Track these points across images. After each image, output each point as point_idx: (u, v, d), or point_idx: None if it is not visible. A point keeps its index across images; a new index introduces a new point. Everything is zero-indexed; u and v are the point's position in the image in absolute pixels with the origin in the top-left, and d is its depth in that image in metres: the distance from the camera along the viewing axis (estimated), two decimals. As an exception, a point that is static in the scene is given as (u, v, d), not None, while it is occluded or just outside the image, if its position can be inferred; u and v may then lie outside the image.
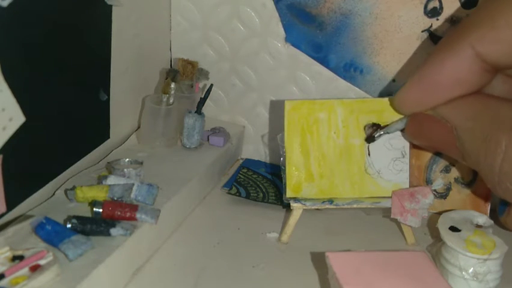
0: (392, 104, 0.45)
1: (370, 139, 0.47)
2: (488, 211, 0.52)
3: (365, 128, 0.48)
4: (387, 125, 0.46)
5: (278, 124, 0.57)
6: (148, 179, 0.48)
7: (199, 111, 0.56)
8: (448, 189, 0.54)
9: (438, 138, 0.41)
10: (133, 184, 0.46)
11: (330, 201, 0.48)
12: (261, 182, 0.58)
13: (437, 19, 0.52)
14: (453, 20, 0.51)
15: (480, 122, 0.37)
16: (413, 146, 0.48)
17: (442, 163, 0.54)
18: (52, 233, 0.40)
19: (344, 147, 0.48)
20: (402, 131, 0.46)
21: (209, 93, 0.56)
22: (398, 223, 0.50)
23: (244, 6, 0.57)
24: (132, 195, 0.45)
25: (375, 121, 0.48)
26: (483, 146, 0.37)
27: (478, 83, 0.39)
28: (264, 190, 0.57)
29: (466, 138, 0.38)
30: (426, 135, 0.42)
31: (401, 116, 0.45)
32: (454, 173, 0.53)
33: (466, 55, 0.38)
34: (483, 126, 0.37)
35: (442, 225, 0.46)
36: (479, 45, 0.37)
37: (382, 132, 0.47)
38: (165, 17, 0.60)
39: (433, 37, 0.52)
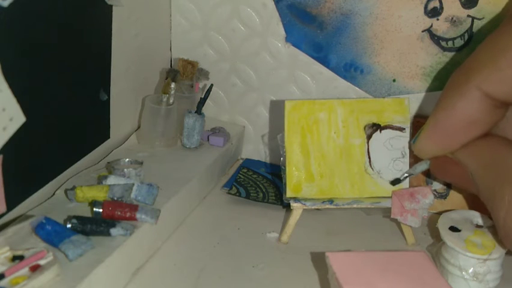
0: (413, 150, 0.45)
1: (396, 182, 0.48)
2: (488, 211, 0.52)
3: (365, 128, 0.48)
4: (412, 167, 0.47)
5: (278, 124, 0.57)
6: (148, 179, 0.48)
7: (199, 111, 0.56)
8: (448, 189, 0.54)
9: (460, 178, 0.42)
10: (133, 184, 0.46)
11: (330, 201, 0.48)
12: (261, 182, 0.58)
13: (437, 19, 0.52)
14: (453, 20, 0.51)
15: (489, 172, 0.39)
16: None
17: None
18: (52, 233, 0.40)
19: (344, 147, 0.48)
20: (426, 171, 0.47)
21: (209, 93, 0.56)
22: (398, 223, 0.50)
23: (245, 6, 0.57)
24: (132, 195, 0.45)
25: (375, 121, 0.48)
26: (491, 196, 0.37)
27: (491, 120, 0.40)
28: (264, 190, 0.57)
29: (479, 184, 0.39)
30: (449, 175, 0.44)
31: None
32: (454, 173, 0.53)
33: (475, 96, 0.39)
34: (491, 177, 0.38)
35: (442, 225, 0.46)
36: (485, 85, 0.38)
37: (407, 174, 0.47)
38: (165, 17, 0.60)
39: (433, 37, 0.52)
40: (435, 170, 0.45)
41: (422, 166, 0.46)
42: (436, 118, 0.41)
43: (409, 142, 0.48)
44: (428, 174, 0.52)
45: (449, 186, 0.53)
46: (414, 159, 0.49)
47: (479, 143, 0.40)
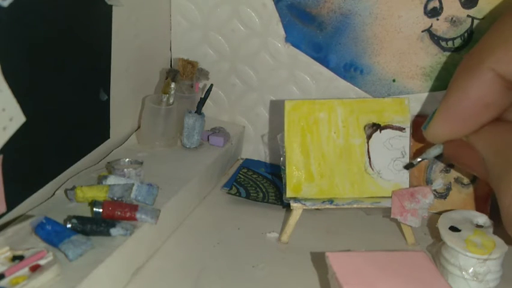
0: (425, 136, 0.45)
1: (409, 166, 0.47)
2: (488, 211, 0.52)
3: (365, 128, 0.48)
4: (425, 152, 0.46)
5: (278, 124, 0.57)
6: (148, 179, 0.48)
7: (199, 111, 0.56)
8: (448, 189, 0.54)
9: (473, 162, 0.41)
10: (133, 184, 0.46)
11: (330, 201, 0.48)
12: (261, 182, 0.58)
13: (437, 19, 0.52)
14: (453, 20, 0.51)
15: (500, 158, 0.38)
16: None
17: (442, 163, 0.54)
18: (52, 233, 0.40)
19: (344, 147, 0.48)
20: (439, 156, 0.46)
21: (209, 93, 0.56)
22: (398, 223, 0.50)
23: (244, 6, 0.57)
24: (132, 195, 0.45)
25: (375, 121, 0.48)
26: (499, 183, 0.37)
27: (503, 102, 0.40)
28: (264, 190, 0.57)
29: (490, 171, 0.39)
30: (463, 160, 0.43)
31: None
32: (454, 173, 0.53)
33: (487, 78, 0.38)
34: (500, 164, 0.38)
35: (442, 225, 0.46)
36: (498, 67, 0.38)
37: (420, 159, 0.47)
38: (165, 17, 0.60)
39: (433, 37, 0.52)
40: (449, 154, 0.45)
41: (436, 150, 0.45)
42: (448, 102, 0.41)
43: (410, 143, 0.48)
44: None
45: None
46: (414, 154, 0.49)
47: (491, 129, 0.40)
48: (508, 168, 0.37)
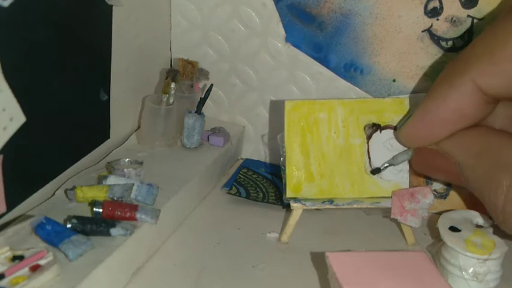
0: (396, 137, 0.45)
1: (375, 171, 0.48)
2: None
3: (365, 128, 0.48)
4: (393, 157, 0.47)
5: (278, 124, 0.57)
6: (148, 179, 0.48)
7: (199, 111, 0.56)
8: (448, 189, 0.54)
9: (443, 170, 0.42)
10: (133, 184, 0.46)
11: (330, 201, 0.48)
12: (261, 182, 0.58)
13: (437, 19, 0.52)
14: (453, 20, 0.51)
15: (482, 160, 0.39)
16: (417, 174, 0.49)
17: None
18: (52, 233, 0.40)
19: (344, 147, 0.48)
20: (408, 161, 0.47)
21: (209, 93, 0.56)
22: (398, 223, 0.50)
23: (244, 6, 0.57)
24: (132, 195, 0.45)
25: (375, 121, 0.48)
26: (486, 184, 0.38)
27: (480, 115, 0.40)
28: (264, 190, 0.57)
29: (468, 174, 0.40)
30: (431, 168, 0.44)
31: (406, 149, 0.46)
32: (454, 173, 0.53)
33: (467, 89, 0.39)
34: (484, 165, 0.38)
35: (442, 225, 0.46)
36: (480, 79, 0.38)
37: (387, 165, 0.47)
38: (165, 17, 0.60)
39: (433, 37, 0.52)
40: (416, 163, 0.45)
41: (403, 156, 0.46)
42: (426, 107, 0.41)
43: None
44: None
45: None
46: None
47: (467, 133, 0.40)
48: (494, 169, 0.37)
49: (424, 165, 0.45)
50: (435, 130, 0.41)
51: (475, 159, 0.39)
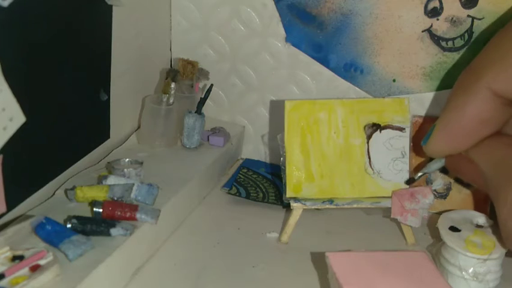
0: (425, 152, 0.45)
1: (410, 181, 0.48)
2: (488, 211, 0.52)
3: (365, 128, 0.48)
4: (426, 166, 0.47)
5: (278, 124, 0.57)
6: (148, 179, 0.48)
7: (199, 111, 0.56)
8: (448, 189, 0.54)
9: (473, 176, 0.42)
10: (133, 184, 0.46)
11: (330, 201, 0.48)
12: (261, 182, 0.58)
13: (438, 19, 0.52)
14: (453, 20, 0.51)
15: (498, 171, 0.39)
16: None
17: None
18: (52, 233, 0.40)
19: (344, 147, 0.48)
20: (443, 169, 0.47)
21: (209, 93, 0.56)
22: (398, 223, 0.50)
23: (245, 6, 0.57)
24: (132, 195, 0.45)
25: (375, 121, 0.48)
26: (496, 196, 0.38)
27: (502, 118, 0.40)
28: (264, 190, 0.57)
29: (489, 184, 0.40)
30: (463, 172, 0.44)
31: None
32: (454, 173, 0.53)
33: (485, 95, 0.39)
34: (499, 176, 0.38)
35: (442, 225, 0.46)
36: (494, 84, 0.38)
37: (421, 174, 0.47)
38: (165, 17, 0.60)
39: (433, 37, 0.52)
40: (450, 168, 0.45)
41: (437, 164, 0.46)
42: (446, 119, 0.41)
43: (410, 143, 0.48)
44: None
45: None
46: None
47: (490, 143, 0.40)
48: (505, 181, 0.37)
49: (457, 171, 0.45)
50: (459, 140, 0.41)
51: (493, 169, 0.39)
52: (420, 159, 0.53)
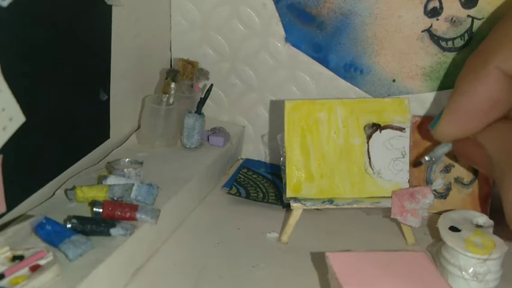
0: (432, 135, 0.45)
1: (417, 164, 0.48)
2: (488, 211, 0.52)
3: (365, 128, 0.48)
4: (433, 150, 0.46)
5: (278, 124, 0.57)
6: (148, 179, 0.48)
7: (199, 111, 0.56)
8: (448, 189, 0.54)
9: (480, 160, 0.42)
10: (133, 184, 0.46)
11: (330, 201, 0.48)
12: (261, 182, 0.58)
13: (437, 19, 0.52)
14: (453, 20, 0.51)
15: (506, 155, 0.39)
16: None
17: (442, 163, 0.54)
18: (52, 233, 0.40)
19: (344, 147, 0.48)
20: (447, 153, 0.47)
21: (209, 93, 0.56)
22: (398, 223, 0.50)
23: (244, 6, 0.57)
24: (132, 195, 0.45)
25: (375, 121, 0.48)
26: (502, 180, 0.38)
27: (511, 100, 0.40)
28: (264, 190, 0.57)
29: (495, 168, 0.39)
30: (470, 159, 0.44)
31: None
32: (454, 173, 0.54)
33: (494, 77, 0.39)
34: (505, 160, 0.38)
35: (442, 225, 0.46)
36: (504, 64, 0.39)
37: (429, 158, 0.47)
38: (165, 17, 0.60)
39: (433, 37, 0.52)
40: (457, 152, 0.45)
41: (444, 149, 0.46)
42: (455, 101, 0.41)
43: (410, 143, 0.48)
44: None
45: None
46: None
47: (498, 127, 0.40)
48: (510, 165, 0.37)
49: (464, 156, 0.45)
50: (469, 123, 0.41)
51: (500, 153, 0.39)
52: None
